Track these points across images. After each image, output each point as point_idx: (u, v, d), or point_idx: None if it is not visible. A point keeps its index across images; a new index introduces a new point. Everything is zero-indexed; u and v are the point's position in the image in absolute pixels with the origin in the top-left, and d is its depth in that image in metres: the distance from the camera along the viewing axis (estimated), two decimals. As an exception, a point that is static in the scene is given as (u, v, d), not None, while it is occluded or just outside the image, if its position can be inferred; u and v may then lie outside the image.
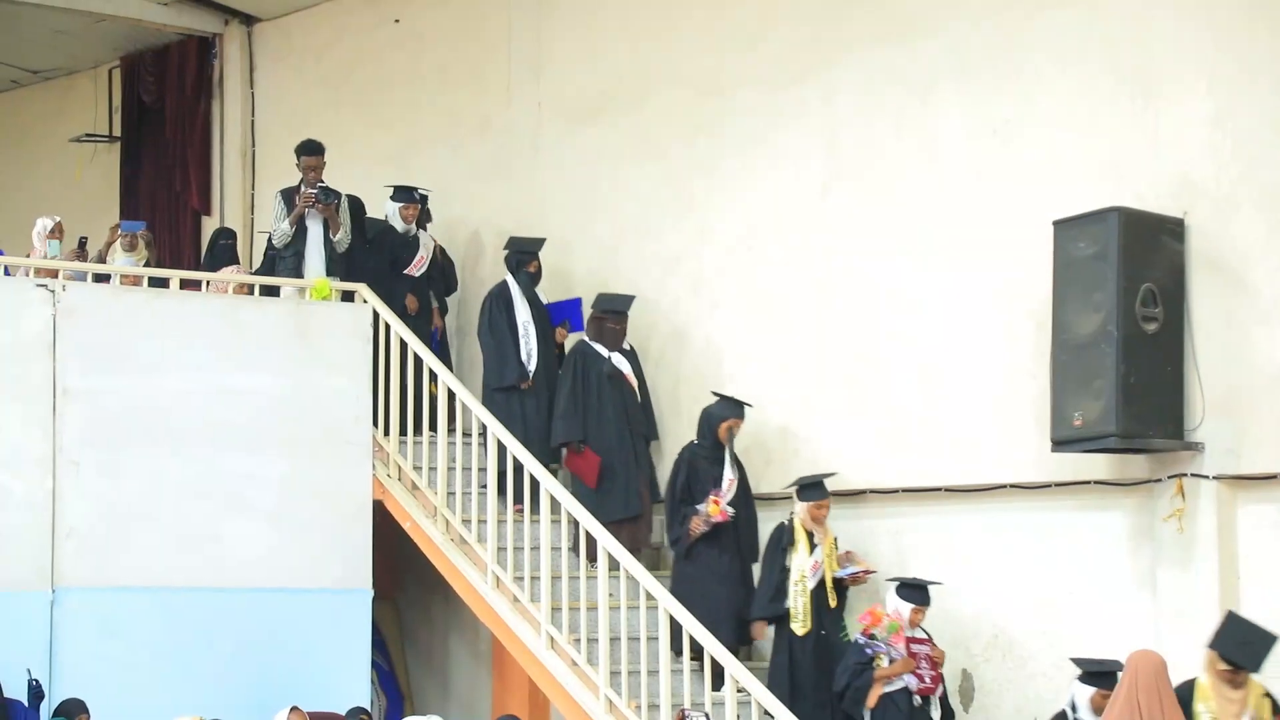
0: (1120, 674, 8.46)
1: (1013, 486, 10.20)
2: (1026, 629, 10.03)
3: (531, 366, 11.75)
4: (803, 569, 10.23)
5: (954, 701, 10.32)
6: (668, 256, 12.15)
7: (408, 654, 13.42)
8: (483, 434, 11.28)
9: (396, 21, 14.38)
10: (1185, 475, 9.38)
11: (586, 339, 11.67)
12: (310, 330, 11.45)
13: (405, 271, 12.49)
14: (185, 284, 11.62)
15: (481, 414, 11.22)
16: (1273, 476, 9.19)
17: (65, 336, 10.69)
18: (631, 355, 11.67)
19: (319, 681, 10.89)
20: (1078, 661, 9.14)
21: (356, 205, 12.65)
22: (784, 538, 10.36)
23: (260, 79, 15.53)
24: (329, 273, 12.09)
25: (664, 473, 11.37)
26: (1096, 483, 9.82)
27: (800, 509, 10.36)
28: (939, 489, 10.54)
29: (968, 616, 10.32)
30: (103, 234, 13.14)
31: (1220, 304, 9.38)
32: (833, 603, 10.31)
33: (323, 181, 12.29)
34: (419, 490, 11.48)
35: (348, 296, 11.85)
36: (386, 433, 11.61)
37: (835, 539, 10.41)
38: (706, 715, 9.07)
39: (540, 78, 13.19)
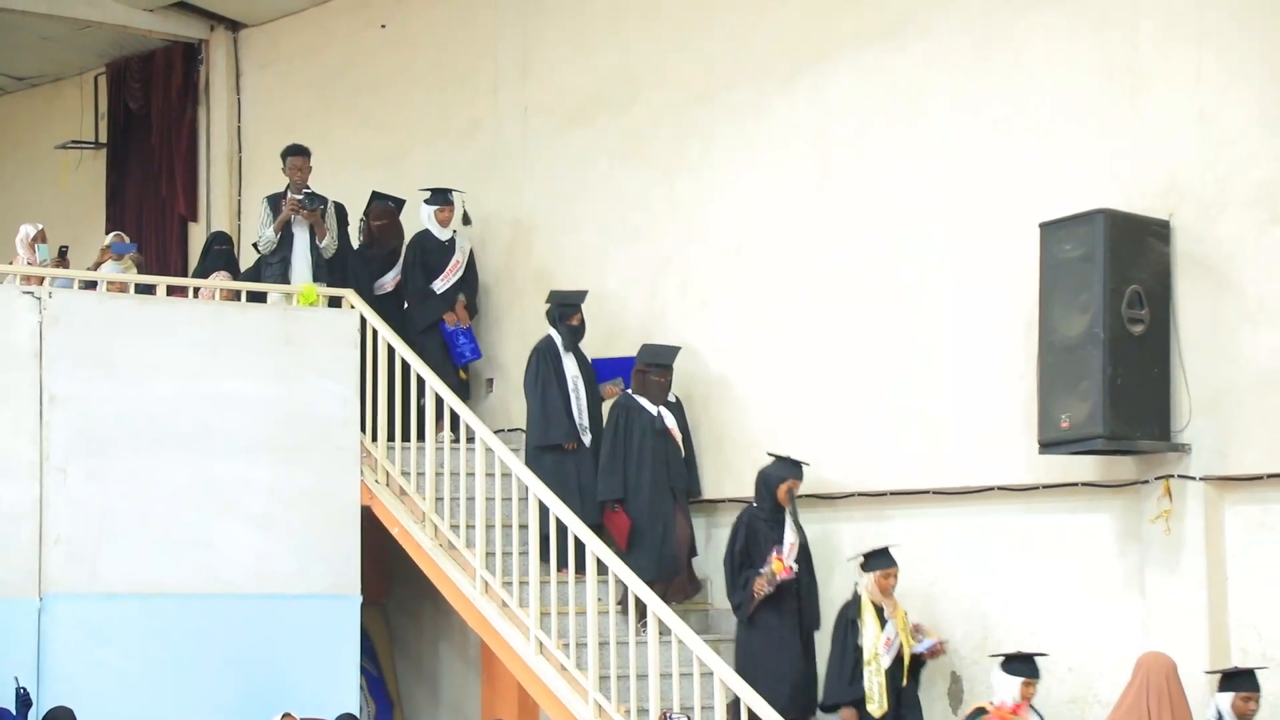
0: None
1: (1000, 488, 10.20)
2: (1015, 631, 10.02)
3: (584, 424, 11.45)
4: (875, 647, 9.78)
5: (944, 705, 10.33)
6: (657, 257, 12.16)
7: (396, 660, 13.41)
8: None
9: (383, 26, 14.38)
10: (1172, 476, 9.39)
11: (630, 392, 11.31)
12: (298, 336, 11.44)
13: (435, 283, 12.42)
14: (172, 290, 11.60)
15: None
16: (1259, 477, 9.20)
17: (52, 343, 10.67)
18: (677, 408, 11.32)
19: (308, 687, 10.89)
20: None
21: (340, 212, 12.64)
22: (851, 612, 9.93)
23: (246, 84, 15.52)
24: (315, 278, 12.08)
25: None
26: (1084, 484, 9.83)
27: (866, 580, 9.92)
28: (927, 491, 10.54)
29: (956, 618, 10.33)
30: (88, 239, 13.15)
31: (1206, 305, 9.40)
32: (905, 680, 9.89)
33: (308, 187, 12.29)
34: (407, 496, 11.47)
35: (335, 302, 11.84)
36: (374, 438, 11.60)
37: (906, 612, 9.99)
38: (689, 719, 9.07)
39: (528, 79, 13.20)
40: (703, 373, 11.74)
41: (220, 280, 12.22)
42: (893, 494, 10.69)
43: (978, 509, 10.32)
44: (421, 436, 11.51)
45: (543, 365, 11.51)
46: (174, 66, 15.74)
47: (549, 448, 11.37)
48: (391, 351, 11.67)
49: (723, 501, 11.54)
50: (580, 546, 10.36)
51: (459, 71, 13.73)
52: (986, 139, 10.37)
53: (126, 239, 12.81)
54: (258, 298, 11.86)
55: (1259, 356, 9.20)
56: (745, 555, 10.39)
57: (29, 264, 11.87)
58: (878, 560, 9.94)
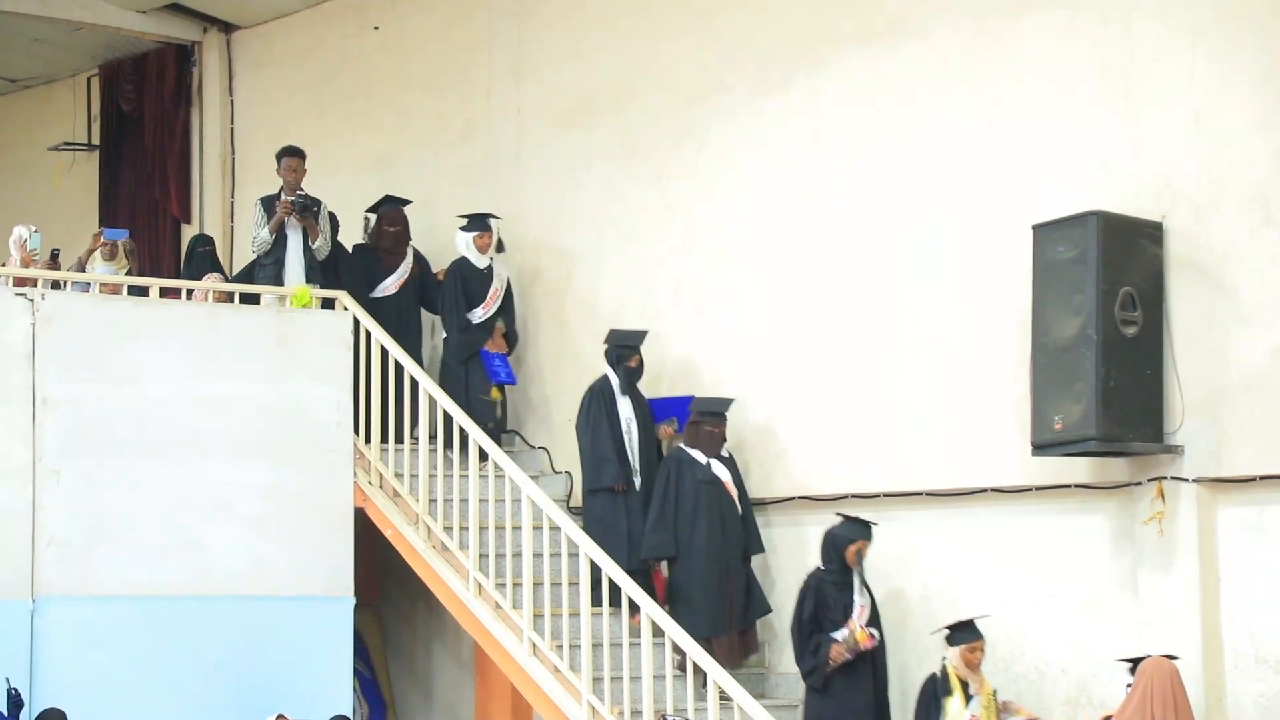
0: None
1: (993, 490, 10.21)
2: (1008, 632, 10.03)
3: (638, 468, 11.16)
4: None
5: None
6: (651, 260, 12.16)
7: (390, 661, 13.40)
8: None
9: (377, 28, 14.37)
10: (1165, 478, 9.40)
11: (683, 445, 10.99)
12: (291, 338, 11.43)
13: (475, 312, 12.16)
14: (165, 292, 11.60)
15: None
16: (1252, 479, 9.21)
17: (45, 345, 10.65)
18: (730, 462, 10.99)
19: (301, 689, 10.87)
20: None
21: (332, 219, 12.63)
22: (937, 688, 9.42)
23: (240, 86, 15.51)
24: (308, 280, 12.08)
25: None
26: (1077, 486, 9.84)
27: (952, 655, 9.43)
28: (920, 493, 10.55)
29: (950, 620, 10.31)
30: (81, 243, 13.11)
31: (1199, 306, 9.41)
32: None
33: (302, 189, 12.29)
34: (400, 497, 11.46)
35: (328, 304, 11.83)
36: (368, 440, 11.59)
37: (994, 689, 9.49)
38: None
39: (521, 82, 13.20)
40: (697, 374, 11.73)
41: (214, 282, 12.22)
42: (885, 495, 10.69)
43: (971, 510, 10.33)
44: (415, 439, 11.50)
45: (595, 407, 11.26)
46: (167, 68, 15.73)
47: (599, 491, 11.16)
48: (385, 353, 11.67)
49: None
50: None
51: (452, 74, 13.72)
52: (980, 140, 10.38)
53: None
54: (252, 299, 11.84)
55: (1252, 358, 9.21)
56: (815, 621, 10.01)
57: (21, 261, 11.87)
58: (963, 634, 9.46)
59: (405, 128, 14.03)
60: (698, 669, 9.81)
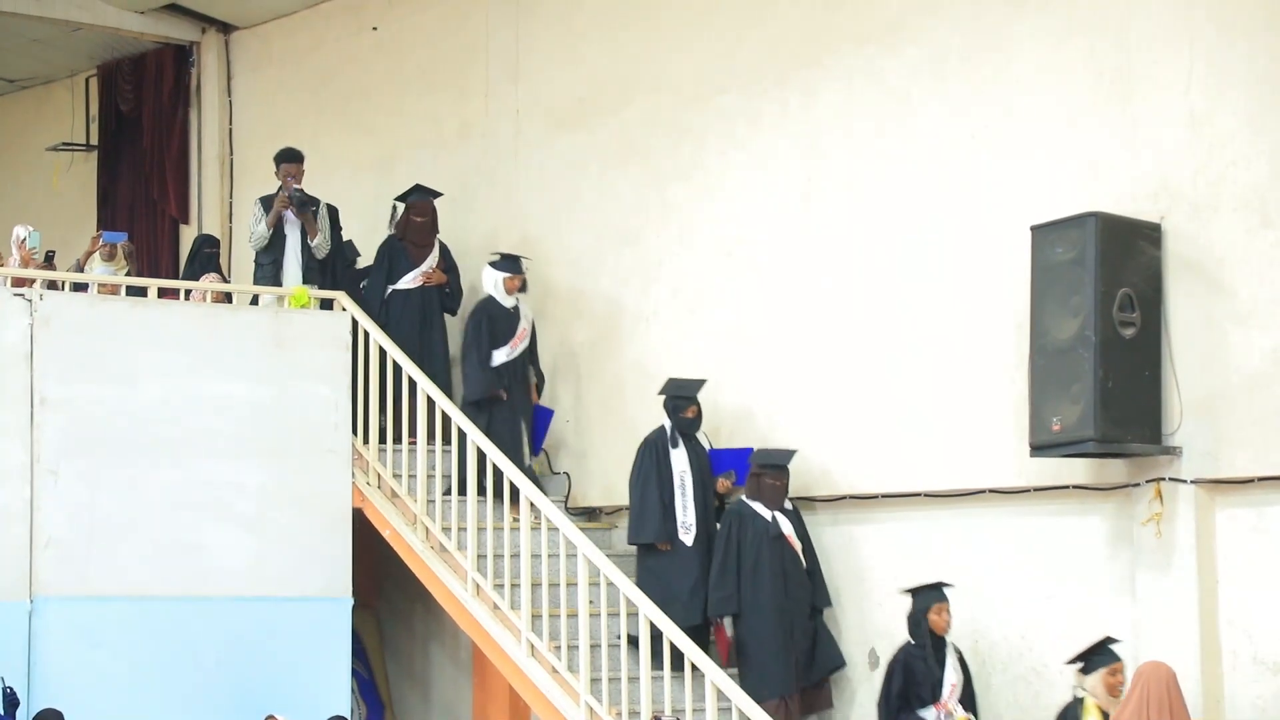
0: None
1: (992, 491, 10.21)
2: (1006, 634, 10.04)
3: (688, 522, 10.82)
4: None
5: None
6: (648, 261, 12.16)
7: (388, 662, 13.40)
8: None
9: (374, 29, 14.37)
10: (1163, 479, 9.41)
11: (745, 498, 10.71)
12: (289, 338, 11.43)
13: (499, 352, 11.85)
14: (164, 292, 11.60)
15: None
16: (1250, 480, 9.22)
17: (43, 346, 10.65)
18: (795, 515, 10.69)
19: (299, 690, 10.87)
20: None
21: (332, 213, 12.63)
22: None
23: (238, 87, 15.51)
24: (306, 279, 12.08)
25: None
26: (1075, 487, 9.84)
27: (1092, 682, 8.81)
28: (918, 494, 10.55)
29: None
30: (79, 244, 13.12)
31: (1198, 308, 9.41)
32: None
33: (300, 187, 12.28)
34: (398, 498, 11.46)
35: (326, 305, 11.83)
36: (366, 440, 11.59)
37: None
38: None
39: (519, 83, 13.20)
40: (694, 376, 11.72)
41: (212, 283, 12.22)
42: (884, 496, 10.69)
43: (969, 512, 10.33)
44: (413, 439, 11.51)
45: (647, 460, 10.94)
46: (165, 69, 15.73)
47: (649, 546, 10.88)
48: (383, 354, 11.67)
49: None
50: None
51: (450, 75, 13.73)
52: (977, 142, 10.38)
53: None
54: (250, 300, 11.85)
55: (1250, 359, 9.21)
56: (903, 698, 9.72)
57: (20, 260, 11.87)
58: (1101, 657, 8.85)
59: (403, 128, 14.03)
60: (696, 669, 9.82)
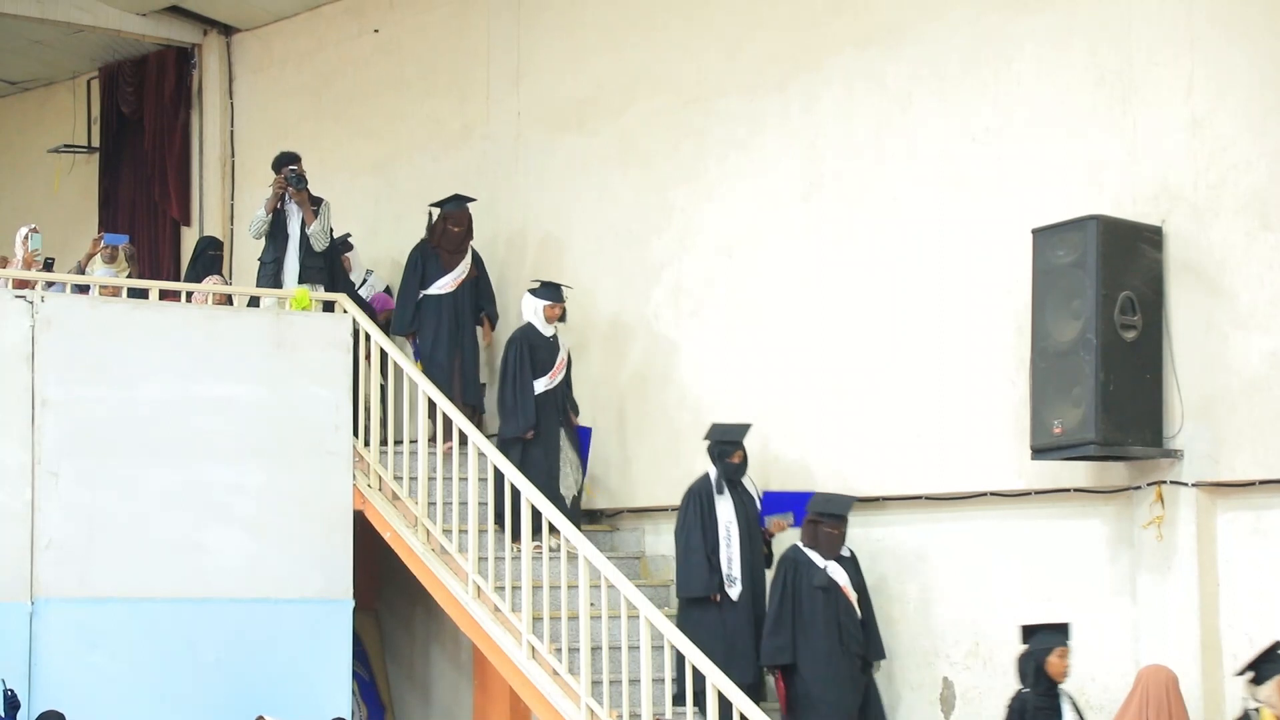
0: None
1: (993, 494, 10.21)
2: (1007, 637, 10.01)
3: (734, 575, 10.48)
4: None
5: (936, 711, 10.33)
6: (649, 264, 12.16)
7: (389, 664, 13.40)
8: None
9: (376, 31, 14.38)
10: (1164, 482, 9.40)
11: (800, 544, 10.30)
12: (289, 340, 11.43)
13: (539, 382, 11.59)
14: (164, 294, 11.60)
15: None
16: (1251, 483, 9.21)
17: (44, 347, 10.65)
18: (851, 562, 10.32)
19: (300, 692, 10.88)
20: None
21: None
22: None
23: (239, 89, 15.52)
24: (306, 278, 12.08)
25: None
26: (1076, 490, 9.83)
27: (1266, 691, 8.17)
28: (919, 496, 10.55)
29: (948, 624, 10.33)
30: (81, 245, 13.13)
31: (1199, 311, 9.41)
32: None
33: (295, 168, 12.26)
34: (399, 500, 11.46)
35: (328, 307, 11.84)
36: (367, 443, 11.60)
37: None
38: None
39: (520, 86, 13.20)
40: (694, 378, 11.73)
41: (213, 284, 12.22)
42: (885, 499, 10.69)
43: (970, 514, 10.32)
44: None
45: (692, 510, 10.59)
46: (167, 71, 15.74)
47: (695, 601, 10.53)
48: (384, 355, 11.67)
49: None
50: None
51: (451, 77, 13.73)
52: (978, 145, 10.38)
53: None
54: (252, 302, 11.85)
55: (1251, 362, 9.21)
56: None
57: (23, 260, 11.88)
58: (1274, 665, 8.19)
59: (404, 131, 14.03)
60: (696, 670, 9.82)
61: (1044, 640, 9.08)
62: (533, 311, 11.81)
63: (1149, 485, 9.46)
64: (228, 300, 11.96)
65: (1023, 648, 9.16)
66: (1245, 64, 9.34)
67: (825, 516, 10.27)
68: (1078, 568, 9.85)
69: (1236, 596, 9.27)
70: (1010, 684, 9.79)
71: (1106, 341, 9.20)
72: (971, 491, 10.29)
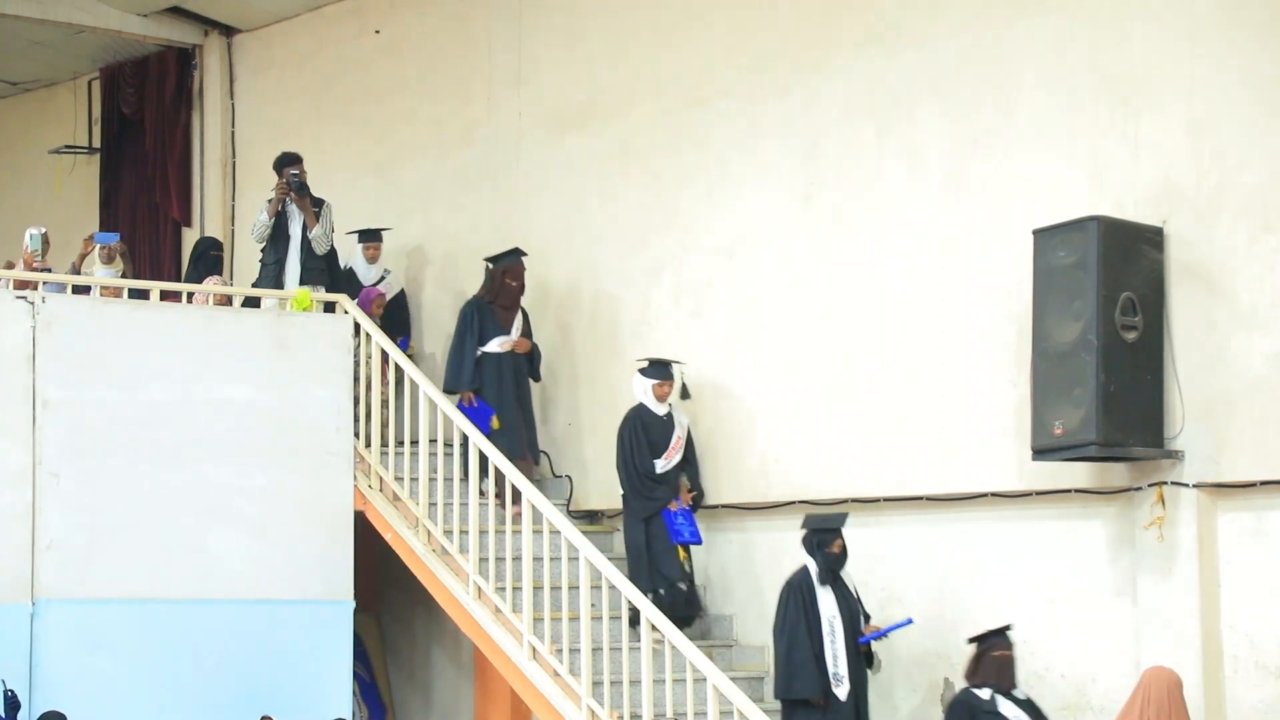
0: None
1: (993, 495, 10.21)
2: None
3: (840, 673, 9.89)
4: None
5: (936, 711, 10.33)
6: (650, 266, 12.16)
7: (389, 665, 13.40)
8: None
9: (377, 32, 14.38)
10: (1165, 483, 9.41)
11: (971, 688, 9.47)
12: (291, 341, 11.42)
13: (658, 462, 11.24)
14: (165, 295, 11.60)
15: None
16: (1252, 484, 9.22)
17: (45, 348, 10.64)
18: (1029, 705, 9.47)
19: (301, 693, 10.87)
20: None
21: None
22: None
23: (240, 90, 15.53)
24: (307, 279, 12.09)
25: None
26: (1077, 491, 9.84)
27: None
28: (920, 498, 10.55)
29: (948, 625, 10.33)
30: (79, 247, 13.11)
31: (1200, 312, 9.41)
32: None
33: (296, 172, 12.28)
34: (400, 501, 11.46)
35: (329, 307, 11.84)
36: (368, 443, 11.60)
37: None
38: None
39: (521, 87, 13.20)
40: (695, 379, 11.73)
41: (214, 285, 12.22)
42: (885, 500, 10.70)
43: (971, 515, 10.33)
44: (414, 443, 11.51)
45: (793, 605, 10.00)
46: (168, 71, 15.74)
47: (798, 703, 9.94)
48: (385, 356, 11.67)
49: (718, 507, 11.55)
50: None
51: (452, 78, 13.73)
52: (979, 146, 10.39)
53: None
54: (252, 303, 11.85)
55: (1252, 363, 9.22)
56: None
57: (24, 261, 11.88)
58: None
59: (405, 132, 14.03)
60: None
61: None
62: (643, 392, 11.39)
63: (1150, 486, 9.46)
64: (228, 301, 11.96)
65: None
66: (1246, 65, 9.35)
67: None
68: (1078, 568, 9.86)
69: (1237, 597, 9.27)
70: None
71: (1107, 342, 9.21)
72: (972, 492, 10.29)
